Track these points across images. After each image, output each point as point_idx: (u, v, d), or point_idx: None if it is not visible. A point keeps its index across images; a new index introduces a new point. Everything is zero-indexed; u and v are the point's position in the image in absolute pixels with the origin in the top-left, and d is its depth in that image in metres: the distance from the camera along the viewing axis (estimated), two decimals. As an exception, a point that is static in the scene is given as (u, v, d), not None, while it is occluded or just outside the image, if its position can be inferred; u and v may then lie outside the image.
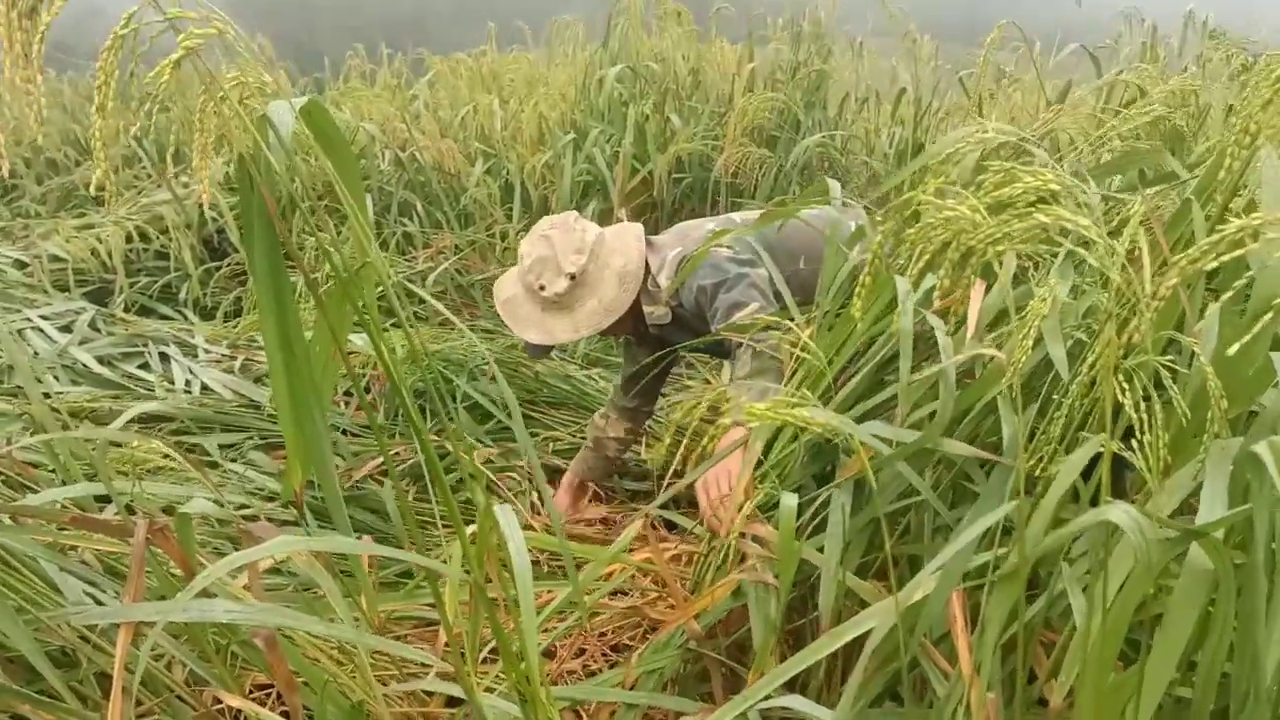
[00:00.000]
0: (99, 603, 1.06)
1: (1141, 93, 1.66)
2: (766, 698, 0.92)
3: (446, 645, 1.19)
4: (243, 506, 1.81)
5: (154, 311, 3.47)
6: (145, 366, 2.55)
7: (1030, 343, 0.81)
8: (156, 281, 3.59)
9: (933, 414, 1.05)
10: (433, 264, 3.39)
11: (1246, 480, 0.76)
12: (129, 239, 3.65)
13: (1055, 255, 1.01)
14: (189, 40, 0.68)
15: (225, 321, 3.31)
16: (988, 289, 1.02)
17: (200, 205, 3.69)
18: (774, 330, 1.43)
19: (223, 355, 2.67)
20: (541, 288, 1.74)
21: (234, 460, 2.07)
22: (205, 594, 0.75)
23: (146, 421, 2.13)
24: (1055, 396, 0.94)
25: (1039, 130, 1.44)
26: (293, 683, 0.89)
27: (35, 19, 0.66)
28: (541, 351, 1.90)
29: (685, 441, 1.12)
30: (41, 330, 2.62)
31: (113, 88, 0.69)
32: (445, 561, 1.01)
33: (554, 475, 2.24)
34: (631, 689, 1.22)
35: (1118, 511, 0.71)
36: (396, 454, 2.20)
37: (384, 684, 1.21)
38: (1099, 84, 2.15)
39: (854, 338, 1.22)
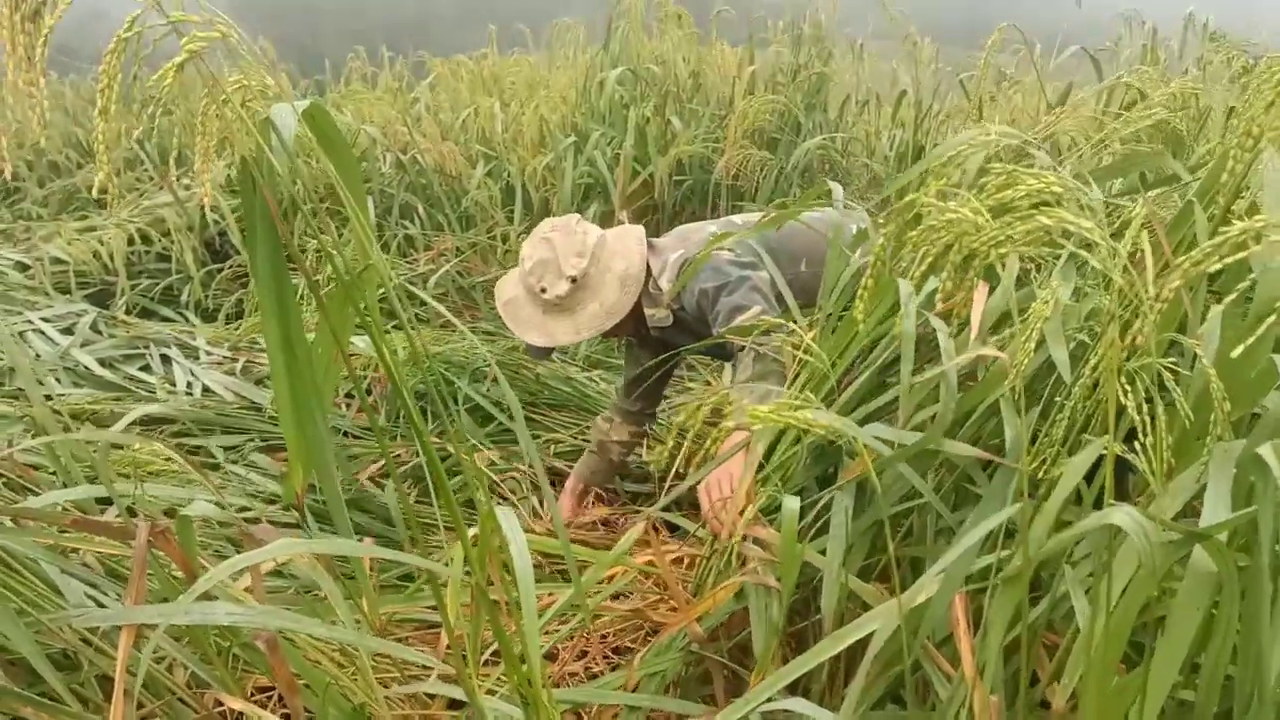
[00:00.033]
0: (100, 605, 1.06)
1: (1142, 95, 1.66)
2: (768, 700, 0.92)
3: (448, 647, 1.19)
4: (244, 509, 1.81)
5: (155, 314, 3.47)
6: (147, 368, 2.55)
7: (1033, 345, 0.81)
8: (158, 284, 3.60)
9: (935, 416, 1.05)
10: (434, 266, 3.40)
11: (1250, 482, 0.76)
12: (131, 241, 3.66)
13: (1058, 257, 1.01)
14: (192, 43, 0.69)
15: (227, 324, 3.32)
16: (990, 291, 1.02)
17: (202, 208, 3.69)
18: (776, 333, 1.43)
19: (224, 357, 2.67)
20: (543, 290, 1.74)
21: (235, 462, 2.07)
22: (207, 596, 0.75)
23: (148, 424, 2.13)
24: (1058, 399, 0.94)
25: (1042, 133, 1.44)
26: (294, 685, 0.89)
27: (38, 22, 0.66)
28: (542, 353, 1.90)
29: (687, 444, 1.12)
30: (43, 332, 2.62)
31: (116, 91, 0.69)
32: (447, 564, 1.01)
33: (555, 477, 2.24)
34: (633, 691, 1.22)
35: (1121, 514, 0.71)
36: (398, 456, 2.20)
37: (385, 686, 1.21)
38: (1101, 87, 2.15)
39: (857, 340, 1.21)
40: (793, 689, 0.94)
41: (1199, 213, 0.95)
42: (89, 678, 1.00)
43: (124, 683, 0.80)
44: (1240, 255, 0.70)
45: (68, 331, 2.66)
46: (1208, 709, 0.76)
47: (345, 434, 2.27)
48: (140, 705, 0.99)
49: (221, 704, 1.05)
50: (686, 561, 1.55)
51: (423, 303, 3.07)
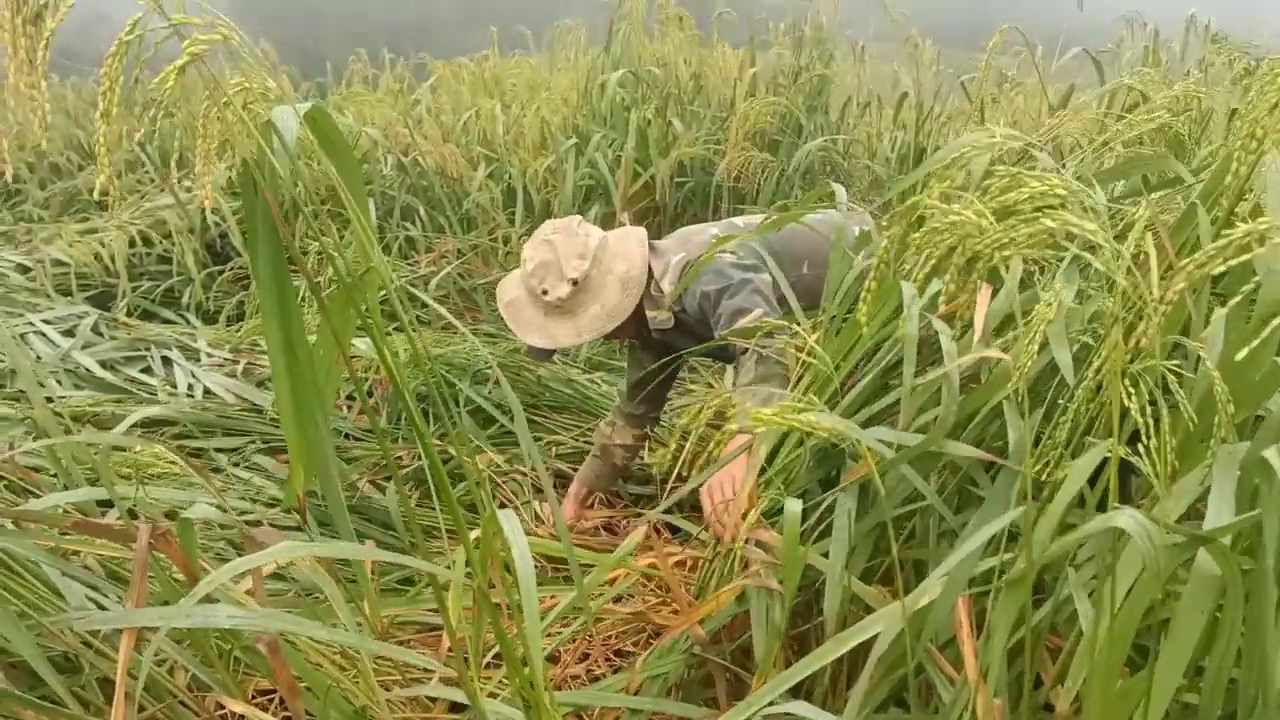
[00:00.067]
0: (101, 608, 1.06)
1: (1144, 98, 1.66)
2: (771, 704, 0.91)
3: (450, 650, 1.19)
4: (245, 511, 1.80)
5: (156, 316, 3.47)
6: (148, 370, 2.55)
7: (1036, 347, 0.81)
8: (159, 286, 3.60)
9: (937, 418, 1.04)
10: (435, 268, 3.40)
11: (1254, 485, 0.75)
12: (132, 243, 3.66)
13: (1061, 260, 1.01)
14: (194, 46, 0.69)
15: (228, 325, 3.32)
16: (994, 294, 1.02)
17: (203, 210, 3.69)
18: (778, 335, 1.43)
19: (225, 359, 2.67)
20: (544, 292, 1.74)
21: (237, 465, 2.07)
22: (208, 599, 0.75)
23: (149, 426, 2.13)
24: (1061, 401, 0.94)
25: (1045, 136, 1.44)
26: (295, 688, 0.89)
27: (40, 25, 0.66)
28: (544, 355, 1.89)
29: (689, 446, 1.12)
30: (44, 334, 2.62)
31: (117, 93, 0.69)
32: (448, 566, 1.01)
33: (557, 479, 2.24)
34: (636, 694, 1.21)
35: (1125, 517, 0.70)
36: (399, 458, 2.20)
37: (387, 689, 1.21)
38: (1103, 91, 2.15)
39: (860, 343, 1.21)
40: (795, 692, 0.94)
41: (1202, 215, 0.95)
42: (90, 680, 0.99)
43: (125, 685, 0.80)
44: (1244, 258, 0.70)
45: (69, 333, 2.66)
46: (1212, 712, 0.75)
47: (346, 436, 2.27)
48: (141, 708, 0.99)
49: (223, 707, 1.05)
50: (689, 564, 1.55)
51: (424, 305, 3.07)
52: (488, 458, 2.21)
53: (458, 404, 2.35)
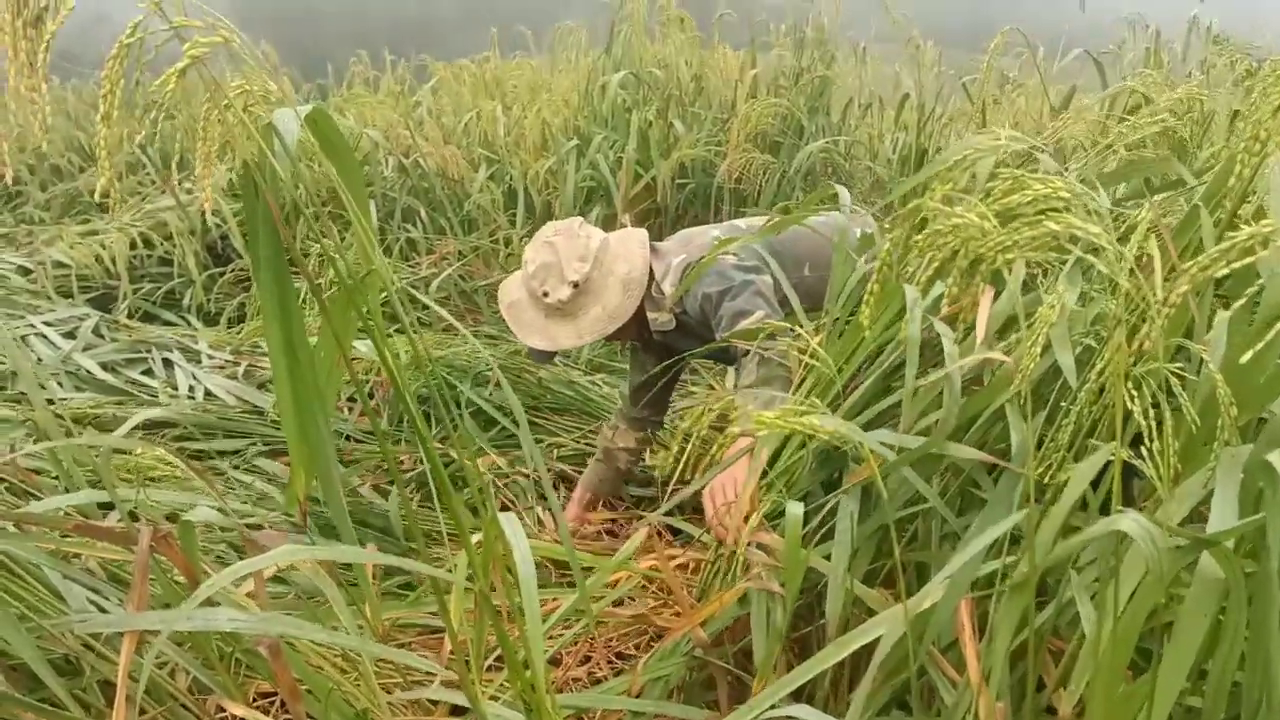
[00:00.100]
0: (102, 610, 1.06)
1: (1146, 100, 1.65)
2: (772, 707, 0.91)
3: (451, 653, 1.19)
4: (247, 514, 1.80)
5: (157, 317, 3.47)
6: (149, 372, 2.55)
7: (1038, 349, 0.80)
8: (160, 287, 3.60)
9: (939, 421, 1.04)
10: (436, 270, 3.40)
11: (1257, 488, 0.75)
12: (133, 245, 3.66)
13: (1064, 262, 1.01)
14: (194, 49, 0.68)
15: (229, 327, 3.32)
16: (996, 296, 1.01)
17: (204, 211, 3.70)
18: (780, 337, 1.43)
19: (226, 361, 2.67)
20: (545, 294, 1.74)
21: (238, 467, 2.07)
22: (209, 602, 0.75)
23: (150, 428, 2.13)
24: (1064, 404, 0.94)
25: (1049, 138, 1.44)
26: (297, 691, 0.89)
27: (40, 28, 0.66)
28: (545, 357, 1.89)
29: (691, 449, 1.12)
30: (45, 336, 2.62)
31: (118, 96, 0.69)
32: (450, 569, 1.01)
33: (558, 481, 2.24)
34: (637, 697, 1.21)
35: (1128, 520, 0.70)
36: (400, 460, 2.20)
37: (388, 692, 1.20)
38: (1106, 94, 2.15)
39: (863, 346, 1.21)
40: (797, 695, 0.94)
41: (1205, 218, 0.94)
42: (91, 683, 0.99)
43: (126, 688, 0.80)
44: (1247, 260, 0.70)
45: (70, 335, 2.67)
46: (1215, 715, 0.75)
47: (348, 438, 2.27)
48: (142, 711, 0.99)
49: (224, 710, 1.04)
50: (691, 567, 1.55)
51: (425, 306, 3.07)
52: (489, 460, 2.21)
53: (459, 406, 2.35)
